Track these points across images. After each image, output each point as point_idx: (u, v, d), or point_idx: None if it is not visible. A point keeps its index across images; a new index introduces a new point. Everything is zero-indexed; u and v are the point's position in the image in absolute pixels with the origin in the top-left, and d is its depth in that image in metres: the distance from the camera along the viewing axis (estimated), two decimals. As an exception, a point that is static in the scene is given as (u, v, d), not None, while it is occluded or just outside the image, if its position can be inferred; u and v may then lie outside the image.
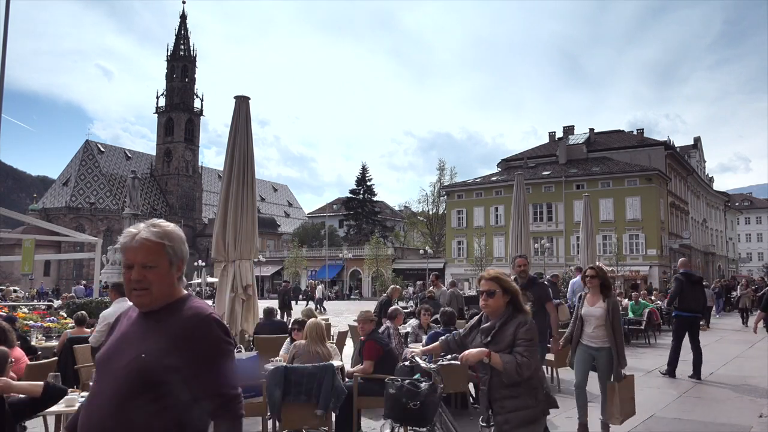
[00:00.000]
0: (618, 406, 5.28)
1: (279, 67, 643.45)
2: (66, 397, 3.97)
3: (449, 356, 3.56)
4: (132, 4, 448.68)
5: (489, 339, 3.21)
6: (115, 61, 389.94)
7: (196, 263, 69.86)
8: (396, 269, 54.27)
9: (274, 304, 14.94)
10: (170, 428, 1.77)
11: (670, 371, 8.98)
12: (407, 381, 3.82)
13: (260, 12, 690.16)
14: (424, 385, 3.76)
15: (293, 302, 23.63)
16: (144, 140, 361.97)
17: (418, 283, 25.43)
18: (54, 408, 3.83)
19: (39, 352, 7.34)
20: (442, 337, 3.77)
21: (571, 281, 12.30)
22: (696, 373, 8.90)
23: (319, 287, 37.36)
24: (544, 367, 8.87)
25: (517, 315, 3.24)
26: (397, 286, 13.21)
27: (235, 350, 5.81)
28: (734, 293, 26.05)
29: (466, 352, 3.23)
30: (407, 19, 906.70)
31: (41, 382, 3.48)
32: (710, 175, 77.03)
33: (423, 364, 3.80)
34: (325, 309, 31.02)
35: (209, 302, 10.47)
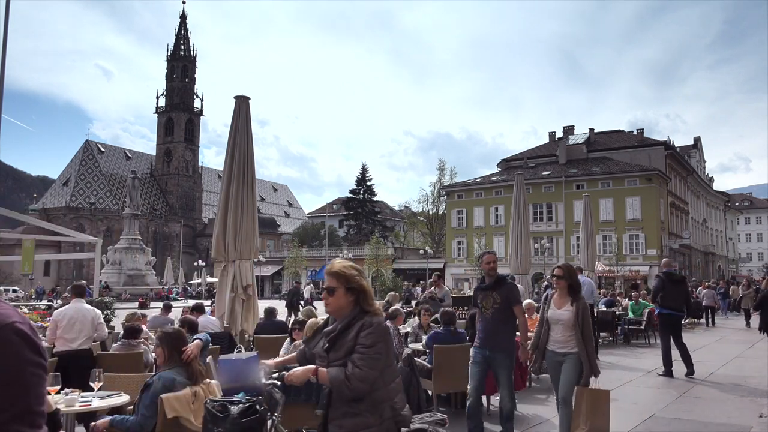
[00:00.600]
0: (585, 415, 4.78)
1: (278, 66, 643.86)
2: (66, 397, 3.97)
3: (276, 374, 3.04)
4: (131, 3, 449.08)
5: (328, 344, 2.73)
6: (114, 61, 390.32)
7: (196, 263, 69.87)
8: (396, 269, 54.24)
9: (280, 304, 14.93)
10: None
11: (668, 371, 9.03)
12: (220, 401, 3.08)
13: (259, 12, 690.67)
14: (235, 409, 2.98)
15: (301, 303, 23.67)
16: (144, 140, 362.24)
17: (422, 282, 25.34)
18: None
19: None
20: (301, 347, 3.20)
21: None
22: (689, 367, 9.01)
23: (308, 287, 36.98)
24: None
25: (362, 316, 2.72)
26: (396, 294, 13.18)
27: (236, 350, 5.81)
28: (729, 293, 26.13)
29: (291, 372, 2.74)
30: (406, 19, 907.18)
31: (53, 407, 3.35)
32: (710, 175, 77.05)
33: (264, 379, 3.12)
34: (315, 309, 30.76)
35: (207, 302, 10.39)
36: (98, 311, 6.94)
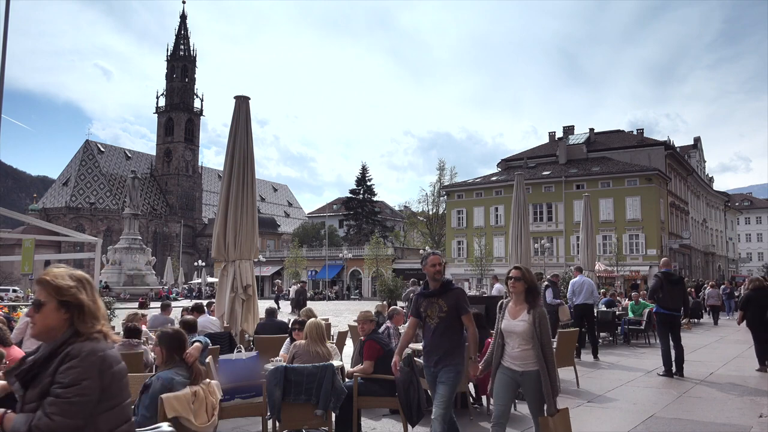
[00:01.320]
0: None
1: (277, 66, 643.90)
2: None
3: None
4: (130, 3, 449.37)
5: (23, 378, 2.08)
6: (113, 61, 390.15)
7: (196, 263, 69.89)
8: (396, 269, 54.25)
9: (285, 305, 14.92)
10: None
11: (667, 371, 9.03)
12: None
13: (258, 11, 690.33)
14: None
15: (307, 302, 23.95)
16: (143, 140, 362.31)
17: (422, 282, 25.31)
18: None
19: (39, 352, 7.33)
20: None
21: (571, 281, 12.29)
22: (679, 370, 9.01)
23: (293, 287, 36.10)
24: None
25: (73, 341, 2.08)
26: (384, 303, 13.16)
27: (236, 350, 5.82)
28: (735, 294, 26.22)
29: None
30: (404, 18, 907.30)
31: None
32: (710, 175, 77.12)
33: None
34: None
35: (205, 302, 10.42)
36: None
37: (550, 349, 4.16)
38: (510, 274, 4.34)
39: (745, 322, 10.20)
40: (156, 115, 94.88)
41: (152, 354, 5.10)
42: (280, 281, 44.93)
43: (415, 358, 6.64)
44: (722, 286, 25.64)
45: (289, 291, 39.18)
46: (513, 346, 4.22)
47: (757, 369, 9.76)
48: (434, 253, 4.76)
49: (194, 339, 6.59)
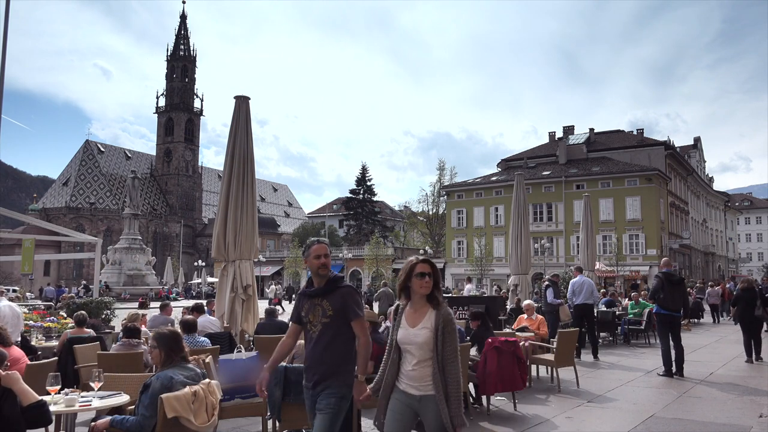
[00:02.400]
0: None
1: (277, 66, 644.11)
2: (66, 397, 3.98)
3: None
4: (129, 3, 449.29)
5: None
6: (113, 61, 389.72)
7: (196, 263, 69.88)
8: (396, 269, 54.22)
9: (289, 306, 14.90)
10: None
11: (667, 371, 9.04)
12: None
13: (257, 11, 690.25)
14: None
15: None
16: (143, 140, 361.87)
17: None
18: (54, 408, 3.84)
19: (39, 352, 7.35)
20: None
21: (571, 281, 12.29)
22: (679, 370, 9.02)
23: (272, 287, 35.36)
24: (542, 367, 8.92)
25: None
26: (373, 312, 13.10)
27: (236, 350, 5.82)
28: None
29: None
30: (404, 18, 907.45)
31: (39, 398, 3.47)
32: (710, 175, 77.14)
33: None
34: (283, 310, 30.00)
35: (204, 302, 10.41)
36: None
37: (455, 366, 3.17)
38: (418, 270, 3.25)
39: (734, 317, 10.93)
40: (156, 115, 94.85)
41: (148, 355, 5.10)
42: (277, 288, 41.41)
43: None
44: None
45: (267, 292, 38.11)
46: (410, 362, 3.23)
47: (745, 360, 10.71)
48: (319, 242, 3.68)
49: (198, 340, 6.63)
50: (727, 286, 24.21)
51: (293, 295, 22.51)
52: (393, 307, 3.45)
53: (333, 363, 3.49)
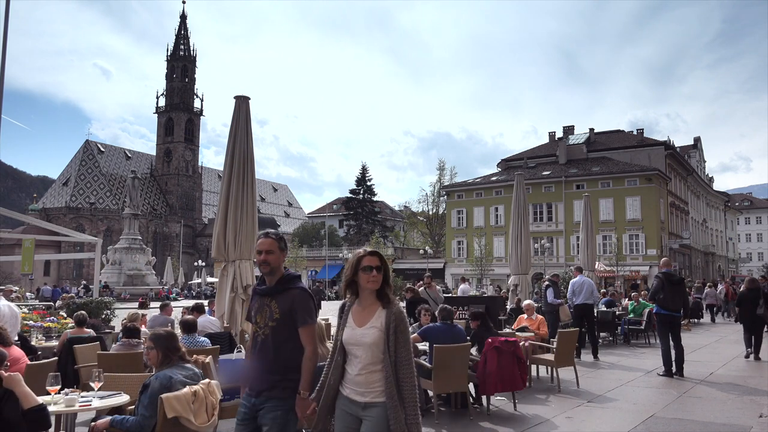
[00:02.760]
0: None
1: (277, 66, 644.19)
2: (66, 397, 3.98)
3: None
4: (129, 2, 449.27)
5: None
6: (112, 61, 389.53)
7: (196, 263, 69.88)
8: (396, 269, 54.25)
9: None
10: None
11: (667, 371, 9.04)
12: None
13: (257, 11, 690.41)
14: None
15: (323, 302, 24.47)
16: (143, 140, 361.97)
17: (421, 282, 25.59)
18: (54, 408, 3.84)
19: (39, 352, 7.34)
20: None
21: (571, 281, 12.29)
22: (679, 370, 9.03)
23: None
24: (542, 367, 8.92)
25: None
26: None
27: (236, 350, 5.82)
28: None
29: None
30: (404, 18, 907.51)
31: (40, 401, 3.45)
32: (710, 175, 77.16)
33: None
34: None
35: (205, 302, 10.39)
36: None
37: (410, 370, 2.85)
38: (365, 263, 2.91)
39: (738, 316, 11.14)
40: (156, 115, 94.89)
41: (145, 357, 5.10)
42: (320, 281, 40.07)
43: (415, 358, 6.63)
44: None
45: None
46: (356, 365, 2.89)
47: (744, 355, 11.15)
48: (266, 235, 3.28)
49: (199, 341, 6.62)
50: (732, 287, 24.46)
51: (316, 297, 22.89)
52: (342, 303, 3.10)
53: (280, 371, 3.13)
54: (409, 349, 2.89)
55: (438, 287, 14.94)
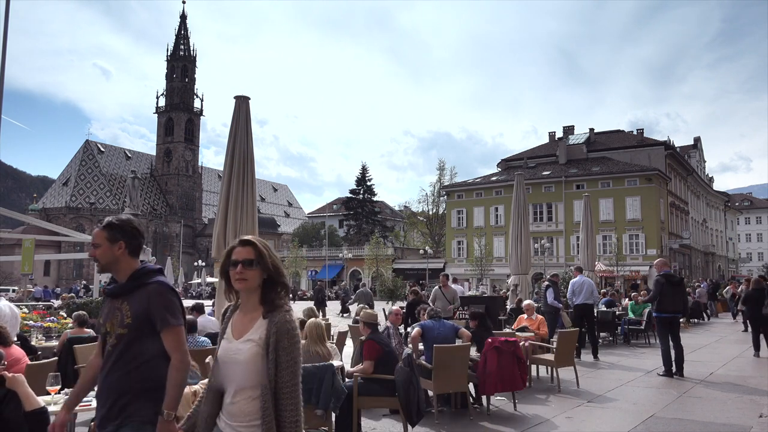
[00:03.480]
0: None
1: (277, 66, 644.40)
2: (66, 397, 3.98)
3: None
4: (128, 2, 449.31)
5: None
6: (112, 61, 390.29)
7: (196, 263, 69.86)
8: (396, 269, 54.25)
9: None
10: None
11: (667, 371, 9.04)
12: None
13: (257, 11, 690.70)
14: None
15: (326, 300, 24.96)
16: (143, 140, 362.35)
17: (422, 282, 25.74)
18: (54, 408, 3.83)
19: (39, 352, 7.34)
20: None
21: (571, 281, 12.28)
22: (679, 370, 9.04)
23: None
24: (542, 367, 8.92)
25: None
26: (366, 308, 13.16)
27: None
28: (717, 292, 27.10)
29: None
30: (404, 18, 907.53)
31: (42, 404, 3.43)
32: (710, 175, 77.15)
33: None
34: None
35: (208, 302, 10.38)
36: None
37: (294, 400, 2.17)
38: (233, 255, 2.28)
39: (743, 316, 11.20)
40: (156, 115, 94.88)
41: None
42: (321, 280, 40.95)
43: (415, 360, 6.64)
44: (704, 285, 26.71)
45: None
46: (231, 390, 2.23)
47: (753, 355, 11.32)
48: (99, 225, 2.72)
49: (200, 340, 6.62)
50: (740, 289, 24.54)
51: (294, 297, 22.94)
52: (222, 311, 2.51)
53: (131, 392, 2.44)
54: (296, 373, 2.18)
55: (458, 287, 14.91)
